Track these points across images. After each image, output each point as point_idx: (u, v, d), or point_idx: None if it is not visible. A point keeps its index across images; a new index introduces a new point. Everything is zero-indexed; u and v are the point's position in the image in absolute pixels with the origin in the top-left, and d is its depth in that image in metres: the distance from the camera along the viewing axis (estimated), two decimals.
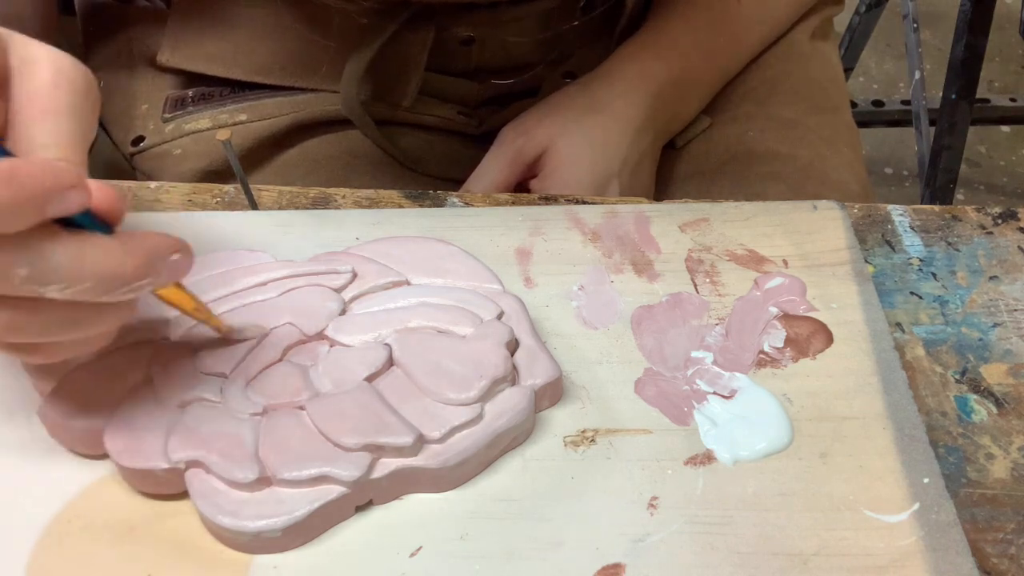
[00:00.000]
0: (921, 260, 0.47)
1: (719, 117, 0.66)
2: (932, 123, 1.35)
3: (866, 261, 0.46)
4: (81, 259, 0.30)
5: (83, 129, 0.32)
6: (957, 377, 0.42)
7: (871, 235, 0.48)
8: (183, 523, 0.36)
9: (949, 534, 0.36)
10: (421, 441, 0.36)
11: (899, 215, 0.49)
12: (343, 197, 0.49)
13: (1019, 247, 0.47)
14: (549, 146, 0.57)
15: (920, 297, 0.45)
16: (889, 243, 0.48)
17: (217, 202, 0.49)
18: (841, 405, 0.40)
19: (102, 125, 0.65)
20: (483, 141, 0.60)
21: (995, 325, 0.44)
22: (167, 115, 0.61)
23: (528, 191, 0.58)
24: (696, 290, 0.45)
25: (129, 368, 0.38)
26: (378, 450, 0.36)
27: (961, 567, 0.35)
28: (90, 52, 0.65)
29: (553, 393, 0.40)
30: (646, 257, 0.46)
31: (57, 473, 0.37)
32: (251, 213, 0.47)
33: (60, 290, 0.30)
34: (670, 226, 0.47)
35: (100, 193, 0.32)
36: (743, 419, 0.39)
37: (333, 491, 0.35)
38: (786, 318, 0.43)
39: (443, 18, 0.59)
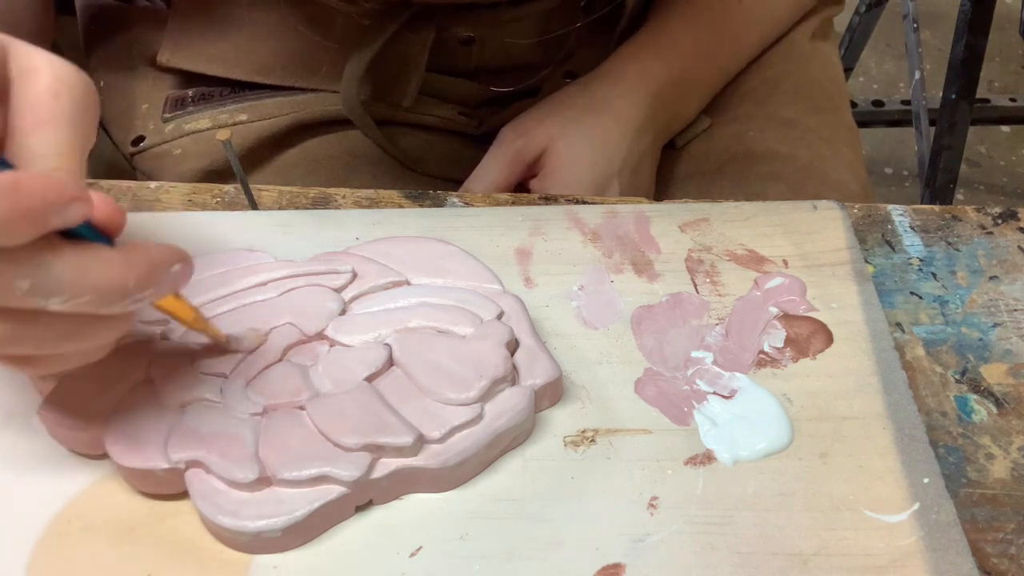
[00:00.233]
0: (921, 260, 0.47)
1: (719, 117, 0.66)
2: (932, 123, 1.35)
3: (866, 261, 0.46)
4: (83, 271, 0.30)
5: (82, 138, 0.32)
6: (957, 377, 0.42)
7: (871, 235, 0.48)
8: (183, 523, 0.36)
9: (949, 534, 0.36)
10: (421, 441, 0.36)
11: (899, 215, 0.49)
12: (343, 197, 0.49)
13: (1019, 247, 0.47)
14: (549, 146, 0.57)
15: (920, 297, 0.45)
16: (889, 243, 0.48)
17: (217, 202, 0.49)
18: (841, 405, 0.40)
19: (102, 125, 0.65)
20: (483, 141, 0.60)
21: (995, 325, 0.44)
22: (167, 115, 0.61)
23: (528, 191, 0.58)
24: (696, 290, 0.45)
25: (129, 368, 0.38)
26: (378, 450, 0.36)
27: (961, 567, 0.35)
28: (90, 52, 0.65)
29: (553, 393, 0.40)
30: (646, 257, 0.46)
31: (57, 473, 0.37)
32: (251, 213, 0.47)
33: (62, 302, 0.30)
34: (670, 226, 0.47)
35: (100, 204, 0.31)
36: (743, 419, 0.39)
37: (333, 491, 0.35)
38: (786, 318, 0.43)
39: (443, 18, 0.59)
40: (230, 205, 0.49)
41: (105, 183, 0.50)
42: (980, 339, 0.44)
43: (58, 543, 0.35)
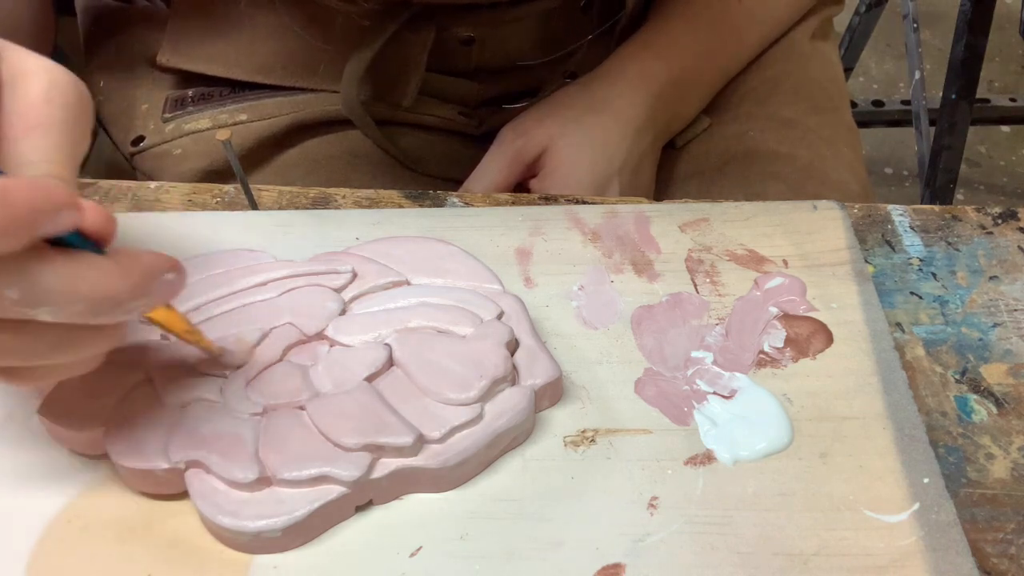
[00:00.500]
0: (921, 260, 0.47)
1: (719, 117, 0.66)
2: (932, 123, 1.35)
3: (866, 261, 0.46)
4: (74, 281, 0.29)
5: (75, 144, 0.31)
6: (957, 377, 0.42)
7: (871, 235, 0.48)
8: (183, 523, 0.36)
9: (949, 534, 0.36)
10: (421, 441, 0.36)
11: (899, 215, 0.49)
12: (343, 197, 0.49)
13: (1019, 247, 0.47)
14: (549, 146, 0.57)
15: (920, 297, 0.45)
16: (889, 243, 0.48)
17: (217, 202, 0.49)
18: (841, 405, 0.40)
19: (102, 125, 0.65)
20: (483, 141, 0.60)
21: (995, 325, 0.44)
22: (167, 115, 0.61)
23: (528, 191, 0.58)
24: (696, 290, 0.45)
25: (129, 368, 0.38)
26: (378, 450, 0.36)
27: (961, 567, 0.35)
28: (90, 52, 0.65)
29: (553, 393, 0.40)
30: (646, 257, 0.46)
31: (57, 473, 0.37)
32: (251, 213, 0.47)
33: (52, 313, 0.29)
34: (670, 226, 0.47)
35: (91, 212, 0.30)
36: (743, 419, 0.39)
37: (333, 491, 0.35)
38: (786, 318, 0.43)
39: (443, 18, 0.59)
40: (230, 205, 0.49)
41: (105, 183, 0.50)
42: (980, 339, 0.44)
43: (58, 543, 0.35)
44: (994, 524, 0.37)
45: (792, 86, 0.66)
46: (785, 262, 0.46)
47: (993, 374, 0.42)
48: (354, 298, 0.41)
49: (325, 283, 0.41)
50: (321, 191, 0.49)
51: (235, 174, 0.46)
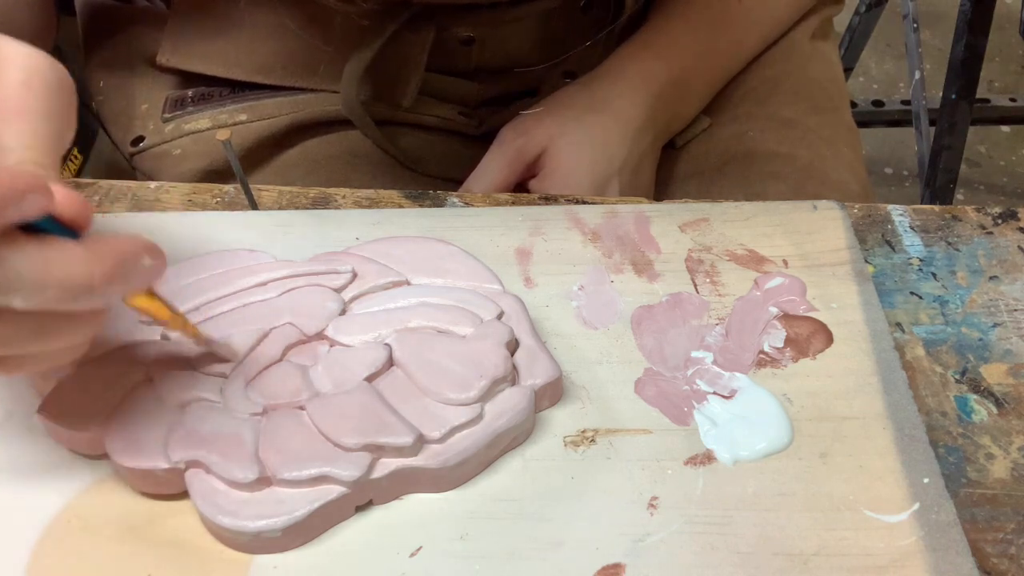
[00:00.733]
0: (921, 260, 0.47)
1: (719, 117, 0.66)
2: (932, 123, 1.35)
3: (866, 261, 0.46)
4: (45, 266, 0.28)
5: (56, 130, 0.31)
6: (957, 377, 0.42)
7: (871, 235, 0.48)
8: (183, 523, 0.36)
9: (949, 534, 0.36)
10: (421, 441, 0.36)
11: (899, 215, 0.49)
12: (343, 197, 0.49)
13: (1019, 247, 0.47)
14: (549, 146, 0.57)
15: (920, 297, 0.45)
16: (889, 243, 0.48)
17: (217, 202, 0.49)
18: (841, 405, 0.40)
19: (102, 125, 0.65)
20: (483, 141, 0.60)
21: (995, 325, 0.44)
22: (167, 115, 0.61)
23: (528, 191, 0.58)
24: (696, 290, 0.45)
25: (129, 368, 0.38)
26: (378, 450, 0.36)
27: (961, 567, 0.35)
28: (90, 52, 0.65)
29: (553, 393, 0.40)
30: (646, 257, 0.46)
31: (57, 473, 0.37)
32: (251, 213, 0.47)
33: (24, 299, 0.28)
34: (670, 226, 0.47)
35: (65, 198, 0.30)
36: (743, 419, 0.39)
37: (333, 491, 0.35)
38: (786, 318, 0.43)
39: (443, 18, 0.59)
40: (230, 205, 0.49)
41: (105, 183, 0.50)
42: (980, 339, 0.44)
43: (58, 543, 0.35)
44: (994, 524, 0.37)
45: (792, 86, 0.66)
46: (785, 262, 0.46)
47: (993, 374, 0.42)
48: (354, 298, 0.41)
49: (325, 283, 0.41)
50: (321, 191, 0.49)
51: (235, 174, 0.46)
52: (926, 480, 0.37)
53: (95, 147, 0.68)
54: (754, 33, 0.66)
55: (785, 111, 0.65)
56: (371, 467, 0.35)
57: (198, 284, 0.41)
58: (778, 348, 0.42)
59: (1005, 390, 0.42)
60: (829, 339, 0.42)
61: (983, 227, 0.48)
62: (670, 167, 0.64)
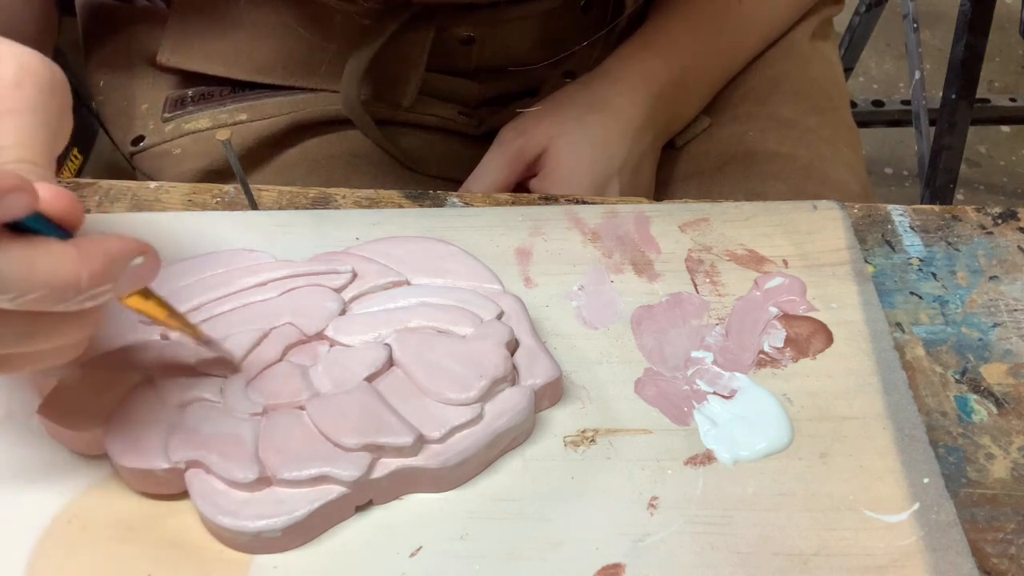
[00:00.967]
0: (921, 260, 0.47)
1: (719, 117, 0.66)
2: (932, 123, 1.34)
3: (866, 261, 0.46)
4: (31, 266, 0.28)
5: (49, 128, 0.31)
6: (957, 377, 0.42)
7: (871, 235, 0.48)
8: (183, 523, 0.36)
9: (949, 534, 0.36)
10: (421, 441, 0.36)
11: (899, 215, 0.49)
12: (343, 197, 0.49)
13: (1019, 247, 0.47)
14: (549, 145, 0.57)
15: (920, 297, 0.45)
16: (889, 243, 0.48)
17: (217, 202, 0.49)
18: (841, 405, 0.40)
19: (102, 125, 0.65)
20: (483, 141, 0.60)
21: (995, 325, 0.44)
22: (167, 115, 0.61)
23: (528, 191, 0.58)
24: (696, 290, 0.45)
25: (129, 368, 0.38)
26: (378, 450, 0.36)
27: (961, 567, 0.35)
28: (90, 52, 0.65)
29: (553, 393, 0.40)
30: (646, 257, 0.46)
31: (57, 473, 0.37)
32: (251, 213, 0.47)
33: (11, 300, 0.28)
34: (670, 226, 0.47)
35: (54, 197, 0.29)
36: (743, 419, 0.39)
37: (333, 491, 0.35)
38: (786, 318, 0.43)
39: (443, 18, 0.59)
40: (230, 205, 0.49)
41: (105, 183, 0.50)
42: (980, 339, 0.44)
43: (58, 543, 0.35)
44: (994, 524, 0.37)
45: (792, 86, 0.66)
46: (785, 262, 0.46)
47: (993, 374, 0.42)
48: (354, 298, 0.41)
49: (325, 283, 0.41)
50: (321, 191, 0.49)
51: (235, 174, 0.46)
52: (926, 480, 0.37)
53: (95, 147, 0.68)
54: (754, 33, 0.66)
55: (785, 111, 0.65)
56: (371, 467, 0.35)
57: (198, 284, 0.41)
58: (778, 348, 0.42)
59: (1005, 390, 0.42)
60: (829, 339, 0.42)
61: (983, 227, 0.48)
62: (670, 167, 0.64)
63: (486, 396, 0.38)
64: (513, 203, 0.49)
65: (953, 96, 1.27)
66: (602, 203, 0.49)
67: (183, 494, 0.36)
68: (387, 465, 0.36)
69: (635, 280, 0.45)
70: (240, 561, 0.35)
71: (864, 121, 1.53)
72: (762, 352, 0.42)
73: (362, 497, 0.36)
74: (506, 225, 0.47)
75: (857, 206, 0.49)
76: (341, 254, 0.43)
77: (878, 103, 1.55)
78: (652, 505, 0.37)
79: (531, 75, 0.64)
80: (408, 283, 0.42)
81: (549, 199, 0.49)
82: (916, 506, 0.36)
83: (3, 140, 0.30)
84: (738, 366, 0.42)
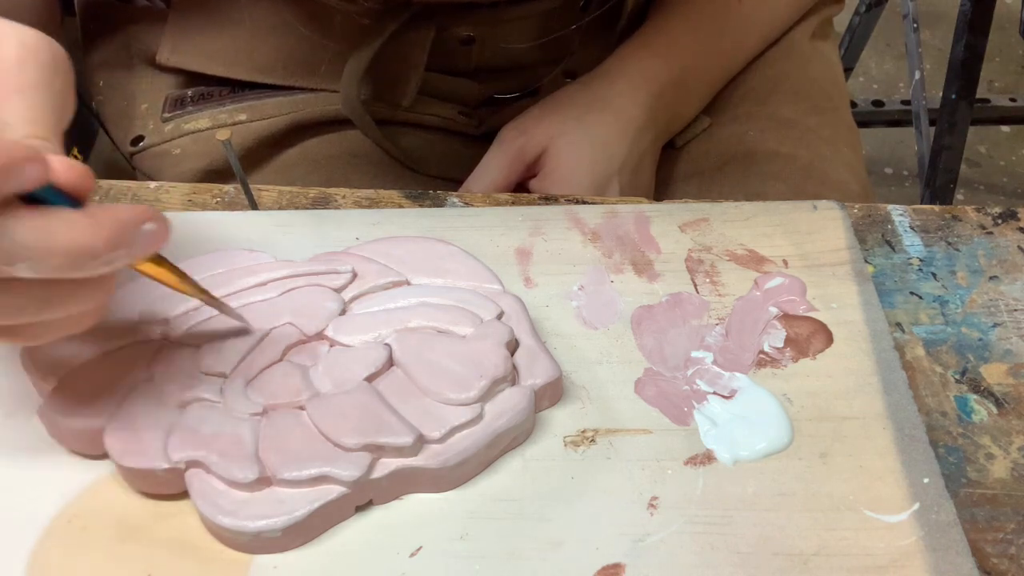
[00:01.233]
0: (921, 260, 0.47)
1: (719, 117, 0.66)
2: (932, 123, 1.35)
3: (866, 261, 0.46)
4: (48, 234, 0.29)
5: (53, 105, 0.32)
6: (957, 377, 0.42)
7: (871, 235, 0.48)
8: (183, 523, 0.36)
9: (949, 534, 0.36)
10: (421, 441, 0.36)
11: (899, 215, 0.49)
12: (343, 197, 0.49)
13: (1019, 247, 0.47)
14: (549, 145, 0.57)
15: (920, 297, 0.45)
16: (889, 243, 0.48)
17: (217, 202, 0.49)
18: (841, 405, 0.40)
19: (102, 124, 0.65)
20: (483, 141, 0.60)
21: (995, 325, 0.44)
22: (167, 115, 0.61)
23: (528, 191, 0.58)
24: (696, 290, 0.45)
25: (129, 368, 0.38)
26: (378, 450, 0.36)
27: (961, 567, 0.35)
28: (89, 51, 0.65)
29: (553, 393, 0.40)
30: (646, 257, 0.46)
31: (57, 473, 0.37)
32: (251, 213, 0.47)
33: (30, 268, 0.29)
34: (670, 226, 0.47)
35: (66, 168, 0.30)
36: (743, 419, 0.39)
37: (333, 491, 0.35)
38: (786, 318, 0.43)
39: (443, 18, 0.59)
40: (230, 205, 0.49)
41: (105, 183, 0.50)
42: (980, 339, 0.44)
43: (58, 543, 0.35)
44: (994, 524, 0.37)
45: (792, 86, 0.66)
46: (785, 262, 0.46)
47: (993, 374, 0.42)
48: (354, 298, 0.41)
49: (325, 283, 0.41)
50: (321, 191, 0.49)
51: (235, 174, 0.46)
52: (926, 480, 0.37)
53: (95, 147, 0.68)
54: (754, 33, 0.66)
55: (785, 111, 0.65)
56: (371, 467, 0.35)
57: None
58: (778, 348, 0.42)
59: (1005, 390, 0.42)
60: (829, 339, 0.42)
61: (983, 227, 0.48)
62: (670, 167, 0.64)
63: (486, 396, 0.38)
64: (513, 203, 0.49)
65: (953, 96, 1.27)
66: (602, 203, 0.49)
67: (183, 494, 0.36)
68: (387, 465, 0.36)
69: (635, 280, 0.45)
70: (240, 561, 0.35)
71: (864, 121, 1.53)
72: (762, 352, 0.42)
73: (362, 497, 0.36)
74: (506, 225, 0.47)
75: (857, 206, 0.49)
76: (341, 254, 0.43)
77: (878, 103, 1.55)
78: (652, 505, 0.37)
79: (531, 75, 0.64)
80: (408, 283, 0.42)
81: (549, 199, 0.49)
82: (916, 506, 0.36)
83: (11, 117, 0.31)
84: (738, 366, 0.41)
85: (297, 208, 0.48)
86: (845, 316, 0.43)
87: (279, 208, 0.48)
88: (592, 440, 0.39)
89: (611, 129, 0.58)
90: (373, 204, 0.49)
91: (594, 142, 0.57)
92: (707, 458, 0.38)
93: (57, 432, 0.37)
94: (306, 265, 0.42)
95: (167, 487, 0.36)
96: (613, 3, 0.63)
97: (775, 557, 0.35)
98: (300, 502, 0.35)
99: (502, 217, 0.47)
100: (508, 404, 0.38)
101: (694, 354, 0.42)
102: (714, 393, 0.40)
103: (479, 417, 0.37)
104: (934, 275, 0.46)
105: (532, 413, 0.38)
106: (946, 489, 0.37)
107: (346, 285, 0.42)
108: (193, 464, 0.35)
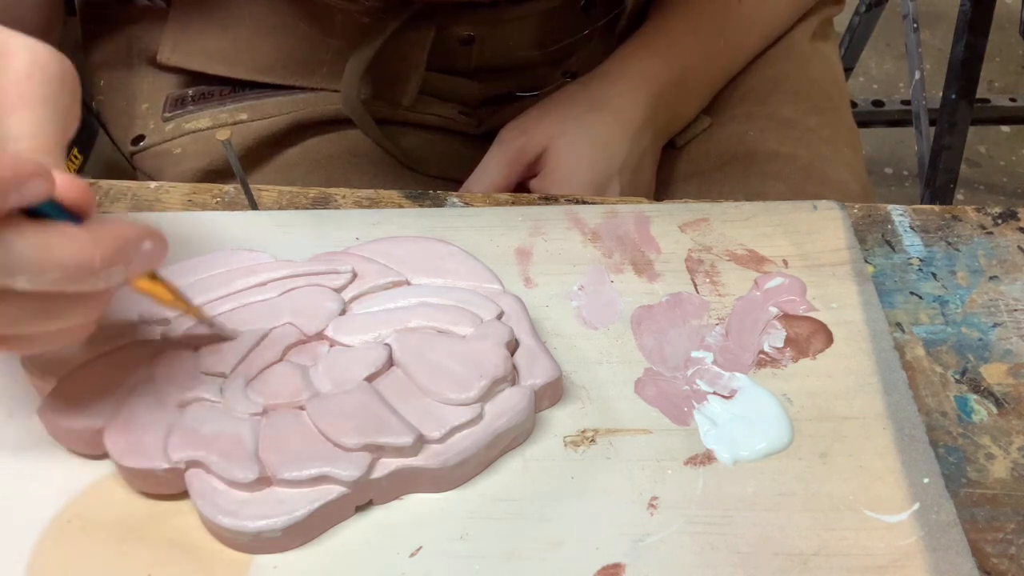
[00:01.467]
0: (921, 260, 0.47)
1: (719, 117, 0.66)
2: (932, 123, 1.35)
3: (866, 261, 0.46)
4: (47, 249, 0.29)
5: (60, 119, 0.32)
6: (957, 377, 0.42)
7: (871, 235, 0.48)
8: (183, 523, 0.36)
9: (949, 534, 0.36)
10: (421, 441, 0.36)
11: (899, 215, 0.49)
12: (343, 197, 0.49)
13: (1019, 247, 0.47)
14: (549, 145, 0.57)
15: (920, 297, 0.45)
16: (889, 243, 0.48)
17: (217, 202, 0.49)
18: (841, 405, 0.40)
19: (102, 124, 0.65)
20: (483, 141, 0.60)
21: (995, 325, 0.44)
22: (167, 114, 0.61)
23: (528, 191, 0.58)
24: (696, 290, 0.45)
25: (129, 368, 0.38)
26: (378, 450, 0.36)
27: (961, 567, 0.35)
28: (90, 51, 0.65)
29: (553, 393, 0.40)
30: (646, 257, 0.46)
31: (57, 473, 0.37)
32: (251, 213, 0.47)
33: (28, 280, 0.29)
34: (670, 226, 0.47)
35: (68, 184, 0.31)
36: (743, 419, 0.39)
37: (333, 491, 0.35)
38: (786, 318, 0.43)
39: (443, 17, 0.59)
40: (230, 205, 0.49)
41: (105, 183, 0.50)
42: (980, 339, 0.44)
43: (58, 543, 0.35)
44: (994, 524, 0.37)
45: (792, 86, 0.66)
46: (785, 262, 0.46)
47: (993, 374, 0.42)
48: (354, 298, 0.41)
49: (325, 283, 0.41)
50: (321, 191, 0.49)
51: (235, 174, 0.46)
52: (926, 480, 0.37)
53: (95, 147, 0.68)
54: (754, 33, 0.66)
55: (785, 111, 0.65)
56: (371, 467, 0.35)
57: (198, 284, 0.41)
58: (778, 348, 0.42)
59: (1005, 390, 0.42)
60: (829, 339, 0.42)
61: (983, 227, 0.48)
62: (670, 167, 0.64)
63: (486, 396, 0.38)
64: (513, 203, 0.49)
65: (953, 96, 1.27)
66: (602, 203, 0.49)
67: (183, 494, 0.36)
68: (387, 465, 0.36)
69: (635, 280, 0.45)
70: (240, 561, 0.35)
71: (864, 121, 1.53)
72: (762, 352, 0.42)
73: (362, 497, 0.36)
74: (506, 225, 0.47)
75: (857, 206, 0.49)
76: (341, 254, 0.43)
77: (878, 103, 1.55)
78: (652, 505, 0.37)
79: (531, 75, 0.64)
80: (408, 283, 0.42)
81: (549, 199, 0.49)
82: (916, 506, 0.36)
83: (16, 131, 0.31)
84: (738, 366, 0.42)
85: (297, 208, 0.48)
86: (845, 316, 0.43)
87: (279, 208, 0.48)
88: (592, 440, 0.39)
89: (611, 129, 0.58)
90: (373, 204, 0.49)
91: (594, 142, 0.57)
92: (707, 458, 0.38)
93: (57, 432, 0.37)
94: (306, 265, 0.42)
95: (167, 487, 0.36)
96: (613, 3, 0.63)
97: (775, 557, 0.35)
98: (300, 502, 0.35)
99: (502, 217, 0.47)
100: (508, 404, 0.38)
101: (694, 354, 0.42)
102: (714, 393, 0.40)
103: (479, 417, 0.37)
104: (934, 275, 0.46)
105: (532, 413, 0.38)
106: (946, 489, 0.37)
107: (346, 285, 0.42)
108: (193, 464, 0.35)
